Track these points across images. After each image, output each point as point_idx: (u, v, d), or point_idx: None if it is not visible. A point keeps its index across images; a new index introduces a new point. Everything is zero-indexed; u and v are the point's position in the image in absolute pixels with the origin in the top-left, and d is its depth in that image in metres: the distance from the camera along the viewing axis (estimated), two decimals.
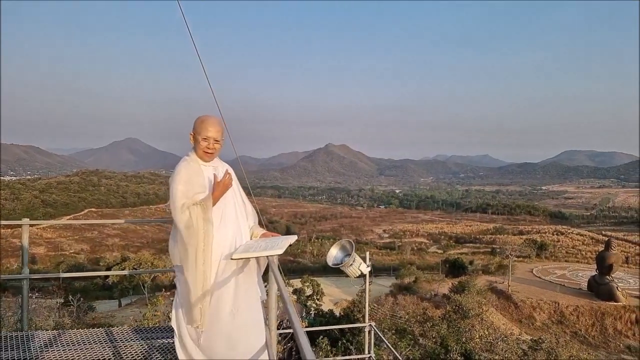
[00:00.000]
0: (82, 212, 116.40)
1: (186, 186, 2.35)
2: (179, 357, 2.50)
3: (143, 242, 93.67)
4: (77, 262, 61.02)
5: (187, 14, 3.48)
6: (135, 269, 32.25)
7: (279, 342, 5.78)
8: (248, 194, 2.80)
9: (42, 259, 68.76)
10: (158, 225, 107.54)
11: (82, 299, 12.68)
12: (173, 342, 3.27)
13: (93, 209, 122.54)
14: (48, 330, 4.19)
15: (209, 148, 2.47)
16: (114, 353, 3.11)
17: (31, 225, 3.67)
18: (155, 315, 9.74)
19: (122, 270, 31.40)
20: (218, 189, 2.42)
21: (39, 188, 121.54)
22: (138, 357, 3.09)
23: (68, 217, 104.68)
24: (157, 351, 3.20)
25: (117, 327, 3.72)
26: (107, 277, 36.83)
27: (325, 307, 27.71)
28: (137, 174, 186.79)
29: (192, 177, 2.38)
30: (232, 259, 2.35)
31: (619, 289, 32.19)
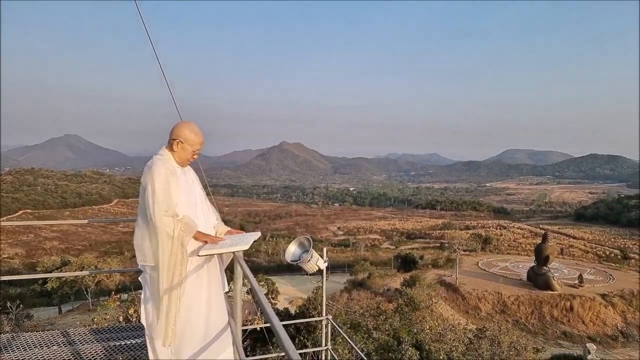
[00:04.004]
0: (16, 214, 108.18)
1: (165, 185, 2.36)
2: (149, 357, 2.47)
3: (85, 244, 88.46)
4: (12, 267, 56.64)
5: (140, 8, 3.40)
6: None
7: None
8: (207, 192, 2.85)
9: None
10: (101, 227, 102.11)
11: (21, 305, 11.91)
12: (133, 343, 3.24)
13: (28, 210, 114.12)
14: (3, 333, 3.97)
15: (193, 158, 2.58)
16: (73, 354, 3.03)
17: None
18: (104, 320, 9.39)
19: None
20: (201, 236, 2.45)
21: None
22: (98, 357, 3.03)
23: None
24: (117, 351, 3.14)
25: (75, 328, 3.59)
26: (45, 282, 34.70)
27: (281, 306, 27.67)
28: (78, 172, 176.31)
29: (169, 177, 2.39)
30: (199, 255, 2.39)
31: (554, 278, 34.38)
